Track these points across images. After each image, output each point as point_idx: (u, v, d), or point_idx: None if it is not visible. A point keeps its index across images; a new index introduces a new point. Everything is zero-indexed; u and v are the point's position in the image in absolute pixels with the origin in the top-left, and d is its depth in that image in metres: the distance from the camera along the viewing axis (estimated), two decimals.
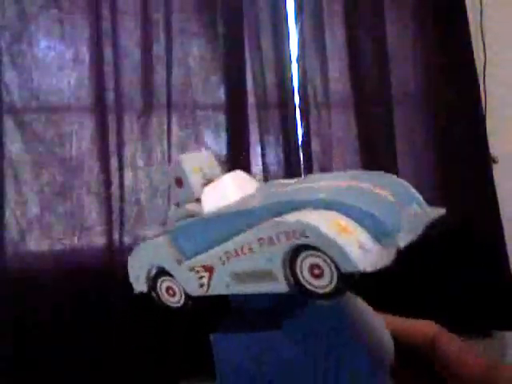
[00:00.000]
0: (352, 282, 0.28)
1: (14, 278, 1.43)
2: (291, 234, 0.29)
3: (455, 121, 1.68)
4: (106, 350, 1.41)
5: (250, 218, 0.31)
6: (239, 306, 0.36)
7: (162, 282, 0.36)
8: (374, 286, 0.38)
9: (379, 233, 0.29)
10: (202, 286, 0.33)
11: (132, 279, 0.38)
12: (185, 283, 0.34)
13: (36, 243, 1.49)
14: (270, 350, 0.33)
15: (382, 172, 0.36)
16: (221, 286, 0.33)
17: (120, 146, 1.52)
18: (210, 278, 0.33)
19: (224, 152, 1.59)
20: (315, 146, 1.66)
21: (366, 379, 0.34)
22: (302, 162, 1.64)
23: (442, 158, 1.70)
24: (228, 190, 0.35)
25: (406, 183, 0.35)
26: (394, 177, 0.35)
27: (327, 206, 0.30)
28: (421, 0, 1.73)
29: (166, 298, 0.36)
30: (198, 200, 0.35)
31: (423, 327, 0.37)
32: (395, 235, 0.29)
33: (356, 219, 0.29)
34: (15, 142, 1.50)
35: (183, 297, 0.35)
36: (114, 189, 1.51)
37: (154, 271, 0.37)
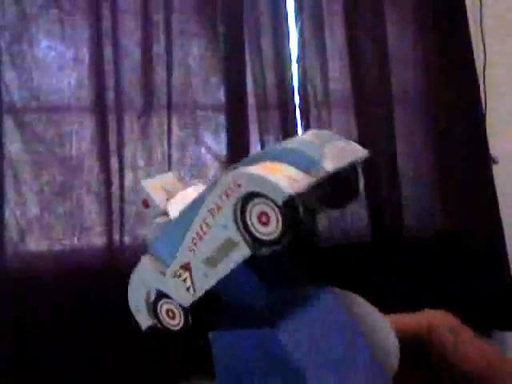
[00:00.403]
0: (298, 220, 0.29)
1: (14, 278, 1.43)
2: (229, 191, 0.30)
3: (455, 121, 1.68)
4: (106, 350, 1.41)
5: (201, 200, 0.32)
6: (236, 305, 0.36)
7: (162, 305, 0.36)
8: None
9: (303, 164, 0.31)
10: (188, 289, 0.33)
11: (136, 315, 0.38)
12: (175, 294, 0.34)
13: (36, 243, 1.49)
14: (268, 350, 0.33)
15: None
16: (202, 279, 0.33)
17: (120, 146, 1.52)
18: (191, 276, 0.33)
19: (224, 152, 1.59)
20: None
21: (367, 382, 0.34)
22: None
23: (441, 158, 1.70)
24: (191, 195, 0.35)
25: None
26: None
27: (255, 160, 0.32)
28: (421, 0, 1.72)
29: (167, 321, 0.36)
30: (165, 212, 0.36)
31: (420, 318, 0.37)
32: (319, 162, 0.31)
33: (280, 160, 0.31)
34: (15, 142, 1.50)
35: (182, 315, 0.35)
36: (114, 189, 1.51)
37: (152, 297, 0.36)
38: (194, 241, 0.32)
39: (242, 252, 0.31)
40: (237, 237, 0.31)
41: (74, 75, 1.53)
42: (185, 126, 1.58)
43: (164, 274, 0.34)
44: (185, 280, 0.33)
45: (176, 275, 0.34)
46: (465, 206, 1.65)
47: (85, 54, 1.53)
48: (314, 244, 1.52)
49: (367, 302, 0.37)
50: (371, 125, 1.68)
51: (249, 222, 0.30)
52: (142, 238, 0.38)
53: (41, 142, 1.51)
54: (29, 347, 1.39)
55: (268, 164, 0.31)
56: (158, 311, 0.36)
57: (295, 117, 1.67)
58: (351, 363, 0.34)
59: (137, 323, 0.37)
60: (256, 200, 0.30)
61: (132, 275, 0.37)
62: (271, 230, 0.30)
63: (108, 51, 1.52)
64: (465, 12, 1.70)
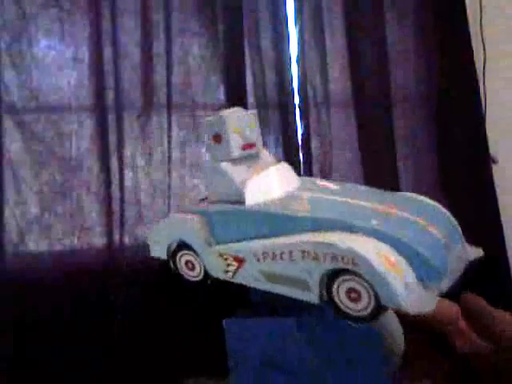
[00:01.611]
0: (384, 312, 0.29)
1: (14, 279, 1.43)
2: (339, 259, 0.29)
3: (455, 121, 1.68)
4: (106, 350, 1.41)
5: (295, 225, 0.31)
6: (255, 296, 0.36)
7: (182, 255, 0.36)
8: None
9: (426, 275, 0.29)
10: (227, 272, 0.34)
11: (150, 243, 0.38)
12: (209, 265, 0.34)
13: (35, 243, 1.49)
14: (281, 340, 0.33)
15: (427, 201, 0.37)
16: (248, 278, 0.33)
17: (120, 145, 1.52)
18: (237, 269, 0.33)
19: None
20: (315, 145, 1.66)
21: (377, 374, 0.34)
22: (301, 162, 1.64)
23: (442, 158, 1.70)
24: (272, 185, 0.34)
25: (451, 217, 0.35)
26: (440, 208, 0.36)
27: (379, 236, 0.30)
28: (421, 0, 1.72)
29: (184, 270, 0.36)
30: (234, 161, 0.35)
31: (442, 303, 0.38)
32: (440, 279, 0.30)
33: (405, 257, 0.29)
34: (15, 142, 1.50)
35: (202, 273, 0.35)
36: (114, 189, 1.51)
37: (175, 244, 0.36)
38: (265, 254, 0.32)
39: (309, 297, 0.31)
40: (314, 286, 0.30)
41: (74, 75, 1.53)
42: (185, 126, 1.58)
43: (210, 244, 0.35)
44: (228, 265, 0.34)
45: (223, 256, 0.34)
46: (465, 206, 1.65)
47: (84, 53, 1.52)
48: None
49: None
50: (371, 125, 1.68)
51: (334, 288, 0.30)
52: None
53: (40, 141, 1.51)
54: (29, 347, 1.39)
55: (389, 255, 0.29)
56: (177, 259, 0.36)
57: (295, 117, 1.66)
58: (361, 357, 0.34)
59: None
60: (357, 278, 0.29)
61: (173, 216, 0.36)
62: (356, 307, 0.30)
63: (108, 50, 1.52)
64: (465, 12, 1.70)
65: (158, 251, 0.38)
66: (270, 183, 0.35)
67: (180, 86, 1.57)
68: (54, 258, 1.48)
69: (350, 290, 0.29)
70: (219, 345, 0.36)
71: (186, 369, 1.44)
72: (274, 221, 0.32)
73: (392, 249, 0.29)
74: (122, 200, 1.50)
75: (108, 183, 1.51)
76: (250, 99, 1.62)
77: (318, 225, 0.31)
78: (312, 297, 0.31)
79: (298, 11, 1.68)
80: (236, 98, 1.61)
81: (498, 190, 1.67)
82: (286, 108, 1.65)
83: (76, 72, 1.53)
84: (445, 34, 1.71)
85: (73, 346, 1.39)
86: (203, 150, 1.59)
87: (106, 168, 1.51)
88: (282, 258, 0.31)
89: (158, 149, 1.55)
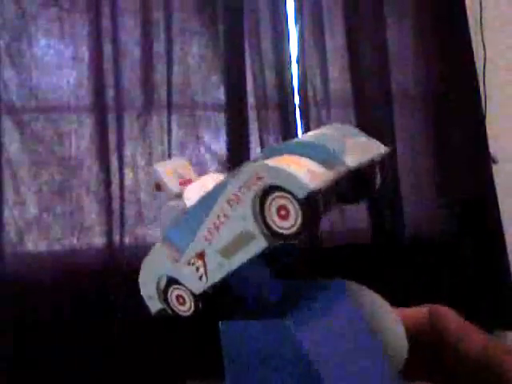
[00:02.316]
0: (317, 215, 0.29)
1: (14, 279, 1.42)
2: (249, 182, 0.30)
3: (455, 121, 1.68)
4: (106, 350, 1.41)
5: (221, 190, 0.32)
6: (246, 295, 0.36)
7: (172, 291, 0.36)
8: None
9: (325, 158, 0.31)
10: (200, 277, 0.33)
11: (147, 301, 0.38)
12: (187, 281, 0.34)
13: (35, 243, 1.48)
14: (278, 342, 0.33)
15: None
16: (216, 268, 0.33)
17: (120, 145, 1.52)
18: (204, 265, 0.33)
19: (224, 151, 1.59)
20: None
21: (376, 377, 0.34)
22: None
23: (441, 158, 1.71)
24: (208, 184, 0.35)
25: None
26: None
27: (276, 153, 0.32)
28: (421, 0, 1.73)
29: (177, 307, 0.36)
30: (178, 195, 0.37)
31: (420, 310, 0.37)
32: (341, 157, 0.31)
33: (302, 154, 0.31)
34: (14, 142, 1.49)
35: (192, 302, 0.35)
36: (114, 188, 1.50)
37: (162, 282, 0.36)
38: (211, 230, 0.32)
39: (259, 244, 0.31)
40: (254, 229, 0.31)
41: (74, 74, 1.52)
42: (184, 125, 1.58)
43: (177, 261, 0.34)
44: (198, 268, 0.33)
45: (190, 263, 0.34)
46: (465, 206, 1.65)
47: (84, 52, 1.52)
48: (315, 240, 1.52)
49: (377, 295, 0.37)
50: (371, 125, 1.68)
51: (267, 215, 0.30)
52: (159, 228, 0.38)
53: (40, 141, 1.50)
54: (29, 347, 1.39)
55: (289, 157, 0.31)
56: (169, 297, 0.36)
57: (295, 117, 1.66)
58: (361, 358, 0.34)
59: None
60: (276, 193, 0.30)
61: (144, 261, 0.37)
62: (290, 224, 0.30)
63: (108, 50, 1.52)
64: (465, 12, 1.70)
65: (155, 304, 0.38)
66: (205, 182, 0.36)
67: (180, 85, 1.57)
68: (54, 258, 1.47)
69: (279, 210, 0.30)
70: (219, 345, 0.36)
71: (185, 369, 1.44)
72: (206, 201, 0.33)
73: (288, 154, 0.31)
74: (121, 200, 1.50)
75: (108, 183, 1.50)
76: (250, 99, 1.62)
77: (233, 177, 0.32)
78: (259, 243, 0.31)
79: (298, 11, 1.68)
80: (236, 97, 1.61)
81: (498, 190, 1.67)
82: (286, 108, 1.65)
83: (76, 71, 1.52)
84: (445, 34, 1.71)
85: (73, 346, 1.39)
86: (203, 149, 1.59)
87: (105, 168, 1.51)
88: (220, 222, 0.32)
89: (158, 148, 1.55)
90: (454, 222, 1.67)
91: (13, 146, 1.50)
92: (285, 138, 1.63)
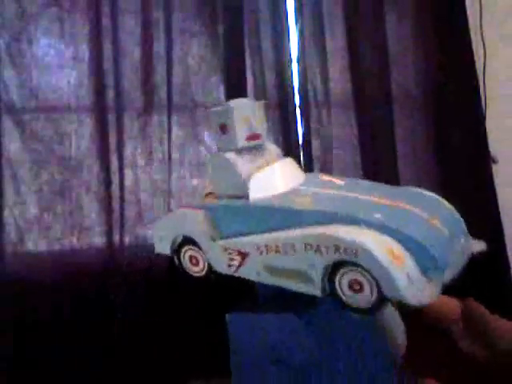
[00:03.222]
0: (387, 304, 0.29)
1: (14, 279, 1.42)
2: (342, 250, 0.29)
3: (455, 121, 1.68)
4: (106, 350, 1.41)
5: (298, 219, 0.31)
6: (261, 289, 0.36)
7: (186, 250, 0.36)
8: None
9: (429, 267, 0.30)
10: (230, 266, 0.33)
11: (155, 239, 0.38)
12: (213, 259, 0.34)
13: (35, 243, 1.48)
14: (285, 335, 0.33)
15: (430, 195, 0.37)
16: (251, 272, 0.33)
17: (120, 145, 1.52)
18: (241, 263, 0.33)
19: None
20: (315, 145, 1.66)
21: (377, 370, 0.34)
22: (302, 162, 1.64)
23: (442, 158, 1.70)
24: (277, 181, 0.34)
25: (454, 211, 0.36)
26: (443, 201, 0.37)
27: (382, 229, 0.30)
28: (421, 0, 1.72)
29: (188, 266, 0.36)
30: (239, 151, 0.35)
31: (454, 301, 0.37)
32: (443, 272, 0.30)
33: (408, 249, 0.29)
34: (14, 142, 1.49)
35: (206, 268, 0.35)
36: (114, 188, 1.50)
37: (180, 239, 0.36)
38: (268, 248, 0.32)
39: (314, 290, 0.31)
40: (317, 279, 0.30)
41: (74, 74, 1.52)
42: (185, 126, 1.58)
43: (214, 239, 0.34)
44: (232, 259, 0.34)
45: (227, 251, 0.34)
46: (465, 206, 1.65)
47: (84, 52, 1.52)
48: None
49: None
50: (371, 125, 1.68)
51: (337, 280, 0.30)
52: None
53: (40, 141, 1.50)
54: (29, 347, 1.39)
55: (393, 247, 0.29)
56: (181, 255, 0.36)
57: (295, 117, 1.66)
58: (363, 352, 0.34)
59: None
60: (360, 270, 0.29)
61: (177, 212, 0.36)
62: (362, 299, 0.30)
63: (108, 50, 1.52)
64: (465, 12, 1.70)
65: (162, 247, 0.38)
66: (274, 179, 0.35)
67: (180, 85, 1.57)
68: (54, 258, 1.47)
69: (352, 282, 0.29)
70: (220, 345, 0.36)
71: (185, 369, 1.44)
72: (277, 215, 0.32)
73: (395, 241, 0.30)
74: (121, 200, 1.50)
75: (108, 183, 1.50)
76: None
77: (320, 218, 0.31)
78: (315, 290, 0.31)
79: (298, 11, 1.68)
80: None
81: (498, 190, 1.67)
82: (286, 108, 1.64)
83: (76, 71, 1.52)
84: (445, 34, 1.71)
85: (73, 346, 1.39)
86: (203, 149, 1.59)
87: (105, 168, 1.51)
88: (284, 251, 0.31)
89: (158, 149, 1.54)
90: None
91: (13, 146, 1.50)
92: (285, 138, 1.63)
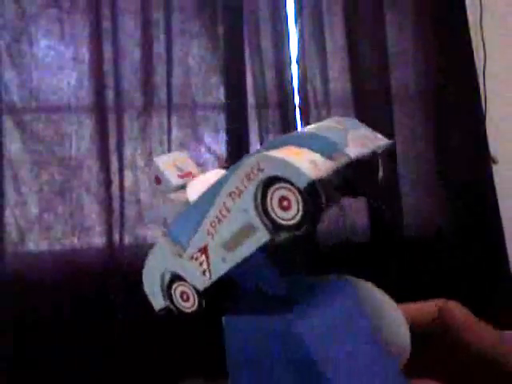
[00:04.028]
0: (319, 208, 0.29)
1: (14, 278, 1.43)
2: (251, 174, 0.30)
3: (455, 121, 1.68)
4: (106, 350, 1.41)
5: (222, 183, 0.32)
6: (250, 291, 0.36)
7: (176, 288, 0.36)
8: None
9: (326, 149, 0.31)
10: (204, 272, 0.33)
11: (150, 298, 0.37)
12: (190, 277, 0.34)
13: (35, 243, 1.49)
14: (280, 337, 0.33)
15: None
16: (219, 263, 0.32)
17: (120, 145, 1.52)
18: (207, 260, 0.33)
19: (224, 152, 1.59)
20: None
21: (377, 374, 0.34)
22: None
23: (441, 158, 1.70)
24: (211, 179, 0.35)
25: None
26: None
27: (277, 145, 0.32)
28: (421, 0, 1.72)
29: (181, 304, 0.36)
30: (177, 189, 0.37)
31: (429, 305, 0.37)
32: (342, 148, 0.31)
33: (303, 145, 0.31)
34: (14, 142, 1.50)
35: (196, 298, 0.35)
36: (114, 188, 1.51)
37: (166, 278, 0.36)
38: (213, 224, 0.32)
39: (262, 237, 0.31)
40: (256, 221, 0.30)
41: (74, 75, 1.53)
42: (184, 126, 1.58)
43: (181, 256, 0.34)
44: (201, 263, 0.33)
45: (193, 258, 0.33)
46: (465, 206, 1.65)
47: (84, 53, 1.53)
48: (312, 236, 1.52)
49: (383, 292, 0.37)
50: (371, 125, 1.66)
51: (269, 207, 0.30)
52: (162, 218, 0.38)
53: (40, 141, 1.51)
54: (29, 347, 1.39)
55: (290, 148, 0.31)
56: (172, 293, 0.36)
57: (295, 117, 1.66)
58: (363, 356, 0.34)
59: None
60: (277, 184, 0.29)
61: (148, 257, 0.36)
62: (292, 214, 0.30)
63: (108, 51, 1.52)
64: (465, 12, 1.70)
65: (158, 301, 0.38)
66: (210, 179, 0.36)
67: (180, 86, 1.58)
68: (54, 258, 1.48)
69: (280, 202, 0.30)
70: (219, 346, 0.36)
71: (185, 369, 1.44)
72: (208, 195, 0.33)
73: (293, 146, 0.31)
74: (121, 200, 1.51)
75: (108, 183, 1.51)
76: (250, 99, 1.62)
77: (234, 168, 0.32)
78: (261, 236, 0.30)
79: (298, 11, 1.68)
80: (236, 98, 1.61)
81: (498, 190, 1.67)
82: (286, 108, 1.65)
83: (76, 72, 1.53)
84: (445, 34, 1.71)
85: (73, 346, 1.39)
86: (203, 149, 1.59)
87: (105, 168, 1.51)
88: (223, 215, 0.32)
89: (157, 149, 1.55)
90: (453, 222, 1.67)
91: (14, 147, 1.50)
92: None
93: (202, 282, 0.34)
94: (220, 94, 1.61)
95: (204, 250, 0.33)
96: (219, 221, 0.32)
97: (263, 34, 1.65)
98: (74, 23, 1.53)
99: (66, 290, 1.43)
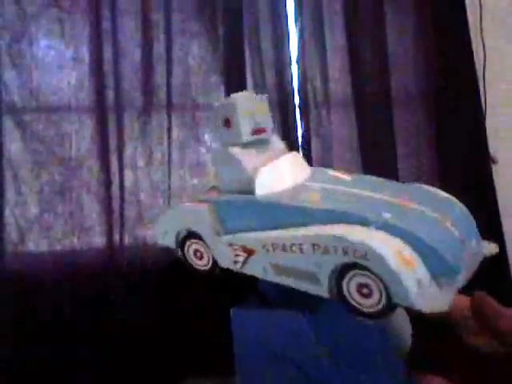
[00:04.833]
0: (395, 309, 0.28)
1: (14, 279, 1.43)
2: (351, 252, 0.28)
3: (455, 121, 1.68)
4: (106, 350, 1.41)
5: (306, 217, 0.31)
6: (263, 286, 0.36)
7: (191, 244, 0.36)
8: None
9: (440, 271, 0.29)
10: (236, 262, 0.33)
11: (158, 233, 0.37)
12: (218, 255, 0.34)
13: (35, 243, 1.49)
14: (289, 332, 0.33)
15: (442, 193, 0.36)
16: (257, 269, 0.32)
17: (120, 145, 1.52)
18: (246, 259, 0.33)
19: None
20: (315, 145, 1.65)
21: (383, 370, 0.34)
22: None
23: (441, 158, 1.70)
24: (283, 176, 0.34)
25: (467, 211, 0.35)
26: (456, 201, 0.35)
27: (392, 230, 0.29)
28: (421, 0, 1.72)
29: (192, 259, 0.36)
30: (244, 146, 0.35)
31: (461, 297, 0.37)
32: (456, 277, 0.29)
33: (419, 253, 0.29)
34: (15, 142, 1.50)
35: (211, 262, 0.35)
36: (114, 189, 1.51)
37: (184, 233, 0.36)
38: (275, 246, 0.31)
39: (320, 291, 0.30)
40: (324, 280, 0.30)
41: (74, 75, 1.53)
42: (185, 126, 1.58)
43: (218, 234, 0.34)
44: (237, 255, 0.33)
45: (232, 246, 0.33)
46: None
47: (85, 53, 1.53)
48: None
49: None
50: (371, 125, 1.68)
51: (344, 284, 0.29)
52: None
53: (40, 141, 1.51)
54: (29, 347, 1.39)
55: (403, 250, 0.28)
56: (185, 248, 0.35)
57: (295, 117, 1.66)
58: (367, 349, 0.34)
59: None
60: (369, 274, 0.28)
61: (181, 206, 0.36)
62: (367, 303, 0.29)
63: (108, 51, 1.52)
64: (465, 12, 1.69)
65: (166, 239, 0.37)
66: (281, 173, 0.35)
67: (180, 86, 1.57)
68: (54, 258, 1.48)
69: (361, 286, 0.29)
70: (219, 344, 0.36)
71: (186, 369, 1.44)
72: (284, 212, 0.32)
73: (406, 244, 0.28)
74: (121, 200, 1.50)
75: (108, 183, 1.51)
76: None
77: (329, 217, 0.30)
78: (322, 291, 0.30)
79: (298, 11, 1.68)
80: None
81: (498, 190, 1.66)
82: (286, 108, 1.64)
83: (76, 72, 1.53)
84: (444, 33, 1.70)
85: (73, 346, 1.39)
86: (203, 149, 1.59)
87: (105, 168, 1.51)
88: (292, 250, 0.31)
89: (157, 149, 1.55)
90: None
91: (14, 147, 1.50)
92: (285, 138, 1.63)
93: (228, 265, 0.34)
94: (220, 94, 1.61)
95: (249, 252, 0.33)
96: (284, 250, 0.31)
97: (263, 34, 1.65)
98: (75, 23, 1.53)
99: (66, 291, 1.43)
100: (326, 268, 0.29)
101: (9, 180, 1.48)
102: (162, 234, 0.37)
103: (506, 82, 1.74)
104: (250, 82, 1.62)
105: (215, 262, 0.35)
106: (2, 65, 1.49)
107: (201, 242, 0.35)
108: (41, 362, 1.38)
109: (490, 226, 1.66)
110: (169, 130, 1.55)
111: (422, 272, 0.28)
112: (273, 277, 0.32)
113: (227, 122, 0.35)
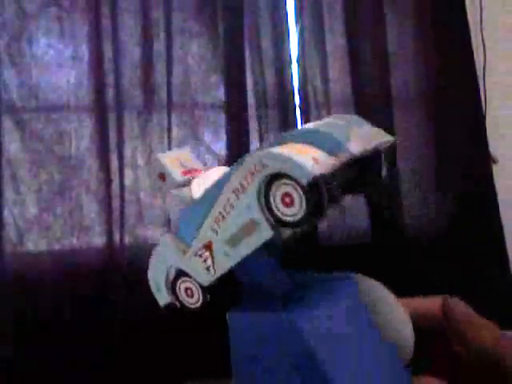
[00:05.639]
0: (321, 205, 0.29)
1: (14, 278, 1.42)
2: (255, 171, 0.30)
3: (455, 121, 1.68)
4: (106, 350, 1.41)
5: (226, 180, 0.32)
6: (254, 287, 0.36)
7: (181, 284, 0.36)
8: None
9: (329, 146, 0.31)
10: (208, 268, 0.33)
11: (155, 294, 0.37)
12: (195, 273, 0.34)
13: (35, 243, 1.48)
14: (283, 334, 0.33)
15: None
16: (223, 259, 0.33)
17: (120, 144, 1.52)
18: (212, 256, 0.33)
19: (223, 151, 1.59)
20: None
21: (382, 371, 0.34)
22: None
23: (442, 158, 1.70)
24: (215, 176, 0.35)
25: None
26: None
27: (281, 142, 0.32)
28: (421, 0, 1.73)
29: (185, 300, 0.36)
30: (181, 185, 0.37)
31: (432, 300, 0.38)
32: (345, 145, 0.31)
33: (306, 141, 0.31)
34: (14, 141, 1.50)
35: (200, 294, 0.35)
36: (114, 188, 1.50)
37: (171, 274, 0.36)
38: (217, 220, 0.32)
39: (264, 233, 0.31)
40: (260, 218, 0.31)
41: (74, 73, 1.53)
42: (184, 125, 1.58)
43: (185, 252, 0.34)
44: (206, 260, 0.33)
45: (197, 254, 0.34)
46: (465, 206, 1.65)
47: (84, 52, 1.52)
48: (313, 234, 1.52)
49: (388, 290, 0.37)
50: (371, 124, 1.68)
51: (272, 203, 0.30)
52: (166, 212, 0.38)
53: (40, 140, 1.50)
54: (29, 347, 1.39)
55: (293, 145, 0.31)
56: (177, 289, 0.35)
57: (295, 117, 1.66)
58: (365, 354, 0.34)
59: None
60: (281, 181, 0.30)
61: (152, 254, 0.37)
62: (294, 211, 0.30)
63: (108, 49, 1.52)
64: (465, 12, 1.70)
65: (163, 297, 0.38)
66: (213, 175, 0.36)
67: (180, 85, 1.57)
68: (54, 258, 1.47)
69: (283, 198, 0.30)
70: (220, 346, 0.36)
71: (186, 369, 1.44)
72: (211, 192, 0.33)
73: (296, 142, 0.31)
74: (121, 199, 1.50)
75: (108, 182, 1.50)
76: (250, 99, 1.62)
77: (237, 165, 0.32)
78: (265, 232, 0.31)
79: (298, 11, 1.68)
80: (236, 97, 1.61)
81: (498, 190, 1.67)
82: (286, 108, 1.64)
83: (76, 71, 1.53)
84: (445, 34, 1.71)
85: (73, 346, 1.39)
86: (202, 148, 1.59)
87: (105, 167, 1.51)
88: (226, 212, 0.32)
89: (157, 148, 1.54)
90: (454, 222, 1.67)
91: (13, 146, 1.50)
92: None
93: (207, 278, 0.34)
94: (220, 94, 1.61)
95: (208, 247, 0.33)
96: (223, 217, 0.32)
97: (263, 33, 1.65)
98: (74, 22, 1.53)
99: (66, 290, 1.43)
100: (253, 203, 0.31)
101: (8, 179, 1.48)
102: (158, 293, 0.37)
103: (506, 82, 1.74)
104: (249, 81, 1.62)
105: (203, 292, 0.35)
106: (2, 63, 1.49)
107: (187, 278, 0.35)
108: (41, 362, 1.38)
109: (490, 226, 1.66)
110: (169, 128, 1.55)
111: (314, 152, 0.30)
112: (234, 254, 0.32)
113: (161, 176, 0.38)
